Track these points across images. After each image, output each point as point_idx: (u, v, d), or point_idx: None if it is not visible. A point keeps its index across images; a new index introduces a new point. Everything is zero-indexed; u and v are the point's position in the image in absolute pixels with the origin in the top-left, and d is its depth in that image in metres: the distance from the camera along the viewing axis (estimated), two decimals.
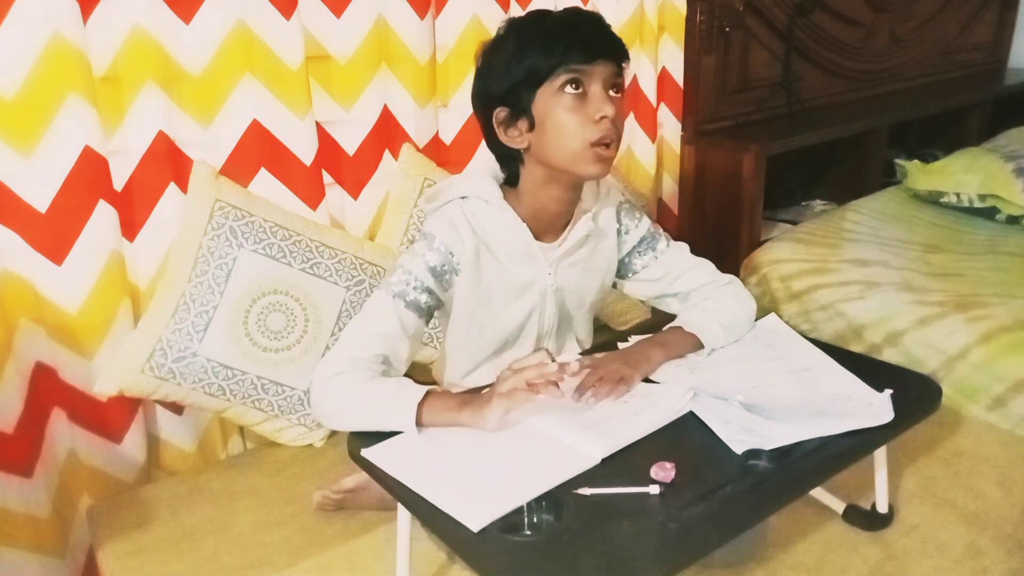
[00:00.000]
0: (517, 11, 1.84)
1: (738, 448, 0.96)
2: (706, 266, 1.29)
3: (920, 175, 2.41)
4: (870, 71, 2.80)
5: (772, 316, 1.31)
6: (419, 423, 1.02)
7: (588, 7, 1.94)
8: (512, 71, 1.08)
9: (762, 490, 0.91)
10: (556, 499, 0.89)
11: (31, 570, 1.32)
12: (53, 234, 1.31)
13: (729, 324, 1.23)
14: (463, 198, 1.17)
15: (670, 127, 2.22)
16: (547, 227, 1.18)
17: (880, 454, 1.12)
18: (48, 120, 1.27)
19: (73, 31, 1.26)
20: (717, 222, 2.23)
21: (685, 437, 1.01)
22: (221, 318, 1.41)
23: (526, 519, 0.87)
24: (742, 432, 0.98)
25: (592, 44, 1.07)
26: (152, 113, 1.39)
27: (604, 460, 0.96)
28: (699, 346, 1.20)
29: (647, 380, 1.14)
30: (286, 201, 1.55)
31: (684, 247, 1.31)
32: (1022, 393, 1.51)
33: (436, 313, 1.20)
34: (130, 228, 1.43)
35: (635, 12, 2.00)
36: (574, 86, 1.07)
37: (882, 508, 1.18)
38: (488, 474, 0.94)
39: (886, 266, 1.94)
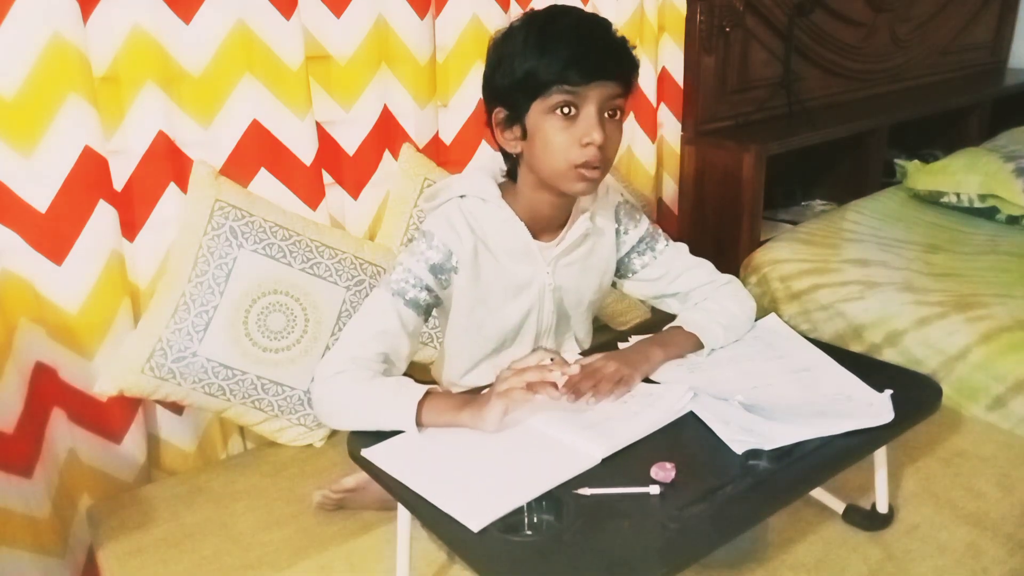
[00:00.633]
0: (517, 12, 1.83)
1: (738, 448, 0.96)
2: (705, 266, 1.29)
3: (920, 175, 2.41)
4: (870, 71, 2.80)
5: (772, 316, 1.31)
6: (419, 423, 1.02)
7: (588, 7, 1.94)
8: (513, 72, 1.07)
9: (762, 490, 0.91)
10: (556, 499, 0.89)
11: (31, 570, 1.32)
12: (53, 234, 1.31)
13: (729, 324, 1.23)
14: (462, 197, 1.17)
15: (670, 127, 2.22)
16: (545, 226, 1.18)
17: (880, 454, 1.12)
18: (48, 120, 1.27)
19: (73, 31, 1.26)
20: (717, 222, 2.23)
21: (685, 437, 1.01)
22: (221, 318, 1.41)
23: (526, 519, 0.87)
24: (742, 432, 0.98)
25: (593, 64, 1.04)
26: (152, 113, 1.39)
27: (604, 460, 0.96)
28: (699, 346, 1.20)
29: (647, 380, 1.14)
30: (286, 201, 1.55)
31: (683, 247, 1.31)
32: (1022, 393, 1.51)
33: (435, 311, 1.20)
34: (130, 228, 1.43)
35: (635, 12, 2.00)
36: (566, 109, 1.05)
37: (882, 508, 1.18)
38: (488, 474, 0.94)
39: (886, 266, 1.94)
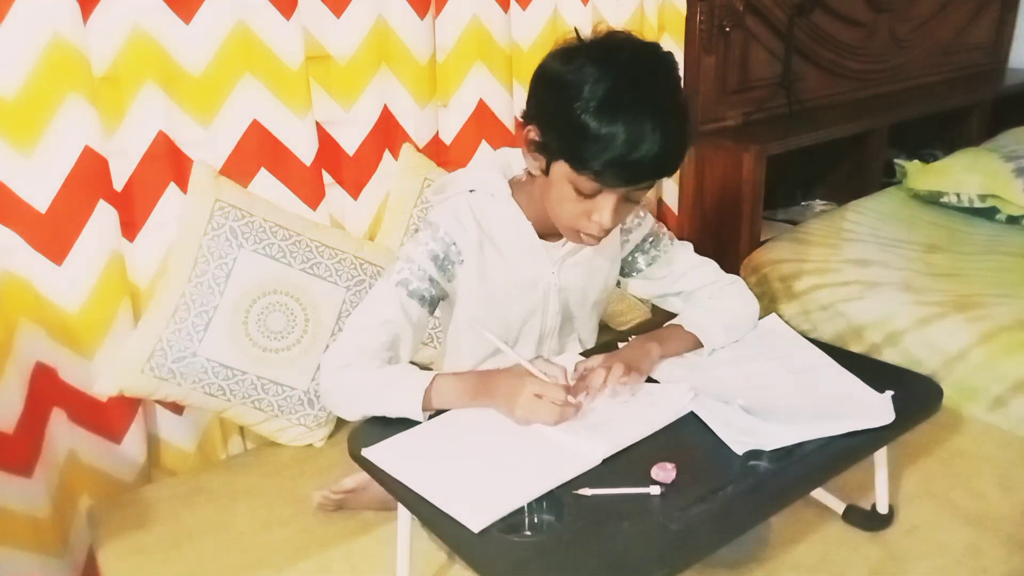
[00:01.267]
0: (517, 12, 1.83)
1: (739, 449, 0.96)
2: (710, 265, 1.29)
3: (920, 175, 2.41)
4: (870, 71, 2.80)
5: (773, 316, 1.31)
6: (427, 408, 1.04)
7: (589, 7, 1.94)
8: (557, 119, 1.01)
9: (763, 491, 0.92)
10: (557, 500, 0.89)
11: (31, 570, 1.32)
12: (53, 234, 1.31)
13: (731, 324, 1.22)
14: (470, 191, 1.17)
15: None
16: (553, 227, 1.18)
17: (880, 455, 1.12)
18: (48, 120, 1.27)
19: (73, 31, 1.26)
20: (717, 222, 2.23)
21: (686, 438, 1.01)
22: (221, 318, 1.41)
23: (527, 519, 0.87)
24: (743, 433, 0.98)
25: (637, 174, 0.99)
26: (152, 113, 1.39)
27: (605, 461, 0.96)
28: (698, 345, 1.20)
29: (648, 379, 1.14)
30: (286, 201, 1.55)
31: (688, 246, 1.31)
32: (1022, 393, 1.51)
33: (440, 304, 1.20)
34: (130, 228, 1.43)
35: (635, 12, 2.00)
36: (589, 190, 1.02)
37: (882, 508, 1.18)
38: (489, 474, 0.94)
39: (886, 266, 1.94)
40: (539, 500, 0.89)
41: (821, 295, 1.86)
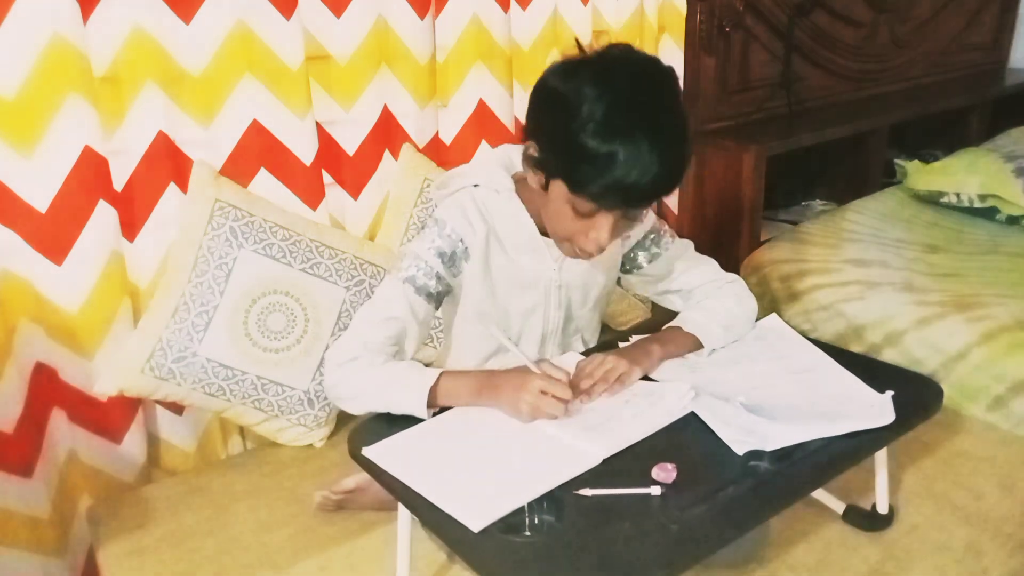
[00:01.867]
0: (517, 12, 1.83)
1: (739, 449, 0.96)
2: (710, 264, 1.29)
3: (920, 175, 2.41)
4: (870, 71, 2.80)
5: (773, 316, 1.31)
6: (432, 405, 1.05)
7: (589, 8, 1.94)
8: (557, 140, 1.00)
9: (763, 491, 0.92)
10: (557, 500, 0.89)
11: (31, 570, 1.32)
12: (53, 234, 1.31)
13: (729, 324, 1.22)
14: (475, 186, 1.17)
15: None
16: None
17: (881, 455, 1.12)
18: (48, 120, 1.26)
19: (73, 31, 1.26)
20: (717, 222, 2.23)
21: (686, 438, 1.01)
22: (221, 318, 1.41)
23: (527, 520, 0.87)
24: (743, 433, 0.98)
25: (637, 198, 0.99)
26: (152, 113, 1.39)
27: (605, 461, 0.96)
28: (698, 345, 1.20)
29: (647, 379, 1.14)
30: (286, 201, 1.55)
31: (689, 244, 1.31)
32: (1022, 393, 1.51)
33: (444, 300, 1.21)
34: (130, 228, 1.43)
35: (635, 12, 2.00)
36: (586, 211, 1.01)
37: (882, 509, 1.18)
38: (489, 474, 0.94)
39: (886, 266, 1.94)
40: (539, 500, 0.89)
41: (821, 295, 1.86)
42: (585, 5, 1.93)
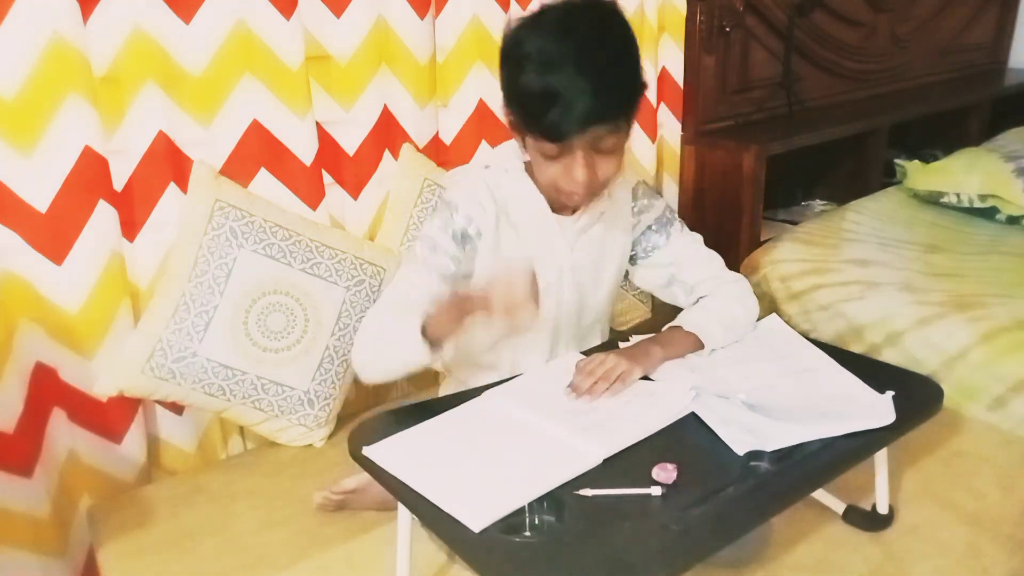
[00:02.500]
0: (517, 12, 1.83)
1: (740, 449, 0.96)
2: (716, 260, 1.30)
3: (920, 175, 2.41)
4: (870, 71, 2.80)
5: (773, 317, 1.31)
6: (430, 336, 1.05)
7: None
8: (511, 93, 1.06)
9: (764, 491, 0.92)
10: (557, 500, 0.89)
11: (31, 570, 1.32)
12: (53, 234, 1.31)
13: (729, 325, 1.23)
14: (486, 168, 1.18)
15: (670, 127, 2.22)
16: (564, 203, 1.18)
17: (881, 455, 1.12)
18: (48, 120, 1.26)
19: (73, 31, 1.26)
20: (717, 222, 2.23)
21: (687, 438, 1.01)
22: (221, 318, 1.41)
23: (527, 520, 0.87)
24: (744, 433, 0.98)
25: (580, 116, 1.00)
26: (152, 113, 1.39)
27: (606, 461, 0.96)
28: (699, 345, 1.20)
29: (647, 379, 1.14)
30: (286, 201, 1.55)
31: (698, 237, 1.31)
32: (1022, 393, 1.51)
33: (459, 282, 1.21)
34: (130, 228, 1.43)
35: (635, 12, 2.00)
36: (551, 151, 1.04)
37: (882, 509, 1.18)
38: (489, 474, 0.94)
39: (886, 266, 1.94)
40: (539, 500, 0.89)
41: (821, 295, 1.87)
42: None
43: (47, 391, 1.36)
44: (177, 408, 1.52)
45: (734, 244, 2.19)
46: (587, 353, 1.20)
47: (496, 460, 0.97)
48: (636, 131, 2.13)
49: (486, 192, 1.15)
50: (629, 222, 1.25)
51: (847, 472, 0.98)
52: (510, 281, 0.97)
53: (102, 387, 1.37)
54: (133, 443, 1.46)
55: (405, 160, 1.70)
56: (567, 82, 0.99)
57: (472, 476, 0.94)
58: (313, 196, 1.58)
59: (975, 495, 1.26)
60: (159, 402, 1.49)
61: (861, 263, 1.96)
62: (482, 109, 1.79)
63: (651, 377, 1.14)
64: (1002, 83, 3.23)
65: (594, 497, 0.89)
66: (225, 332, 1.42)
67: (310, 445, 1.53)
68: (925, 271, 1.93)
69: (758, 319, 1.28)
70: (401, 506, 1.00)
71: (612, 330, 1.92)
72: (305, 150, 1.55)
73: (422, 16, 1.65)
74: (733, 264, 2.09)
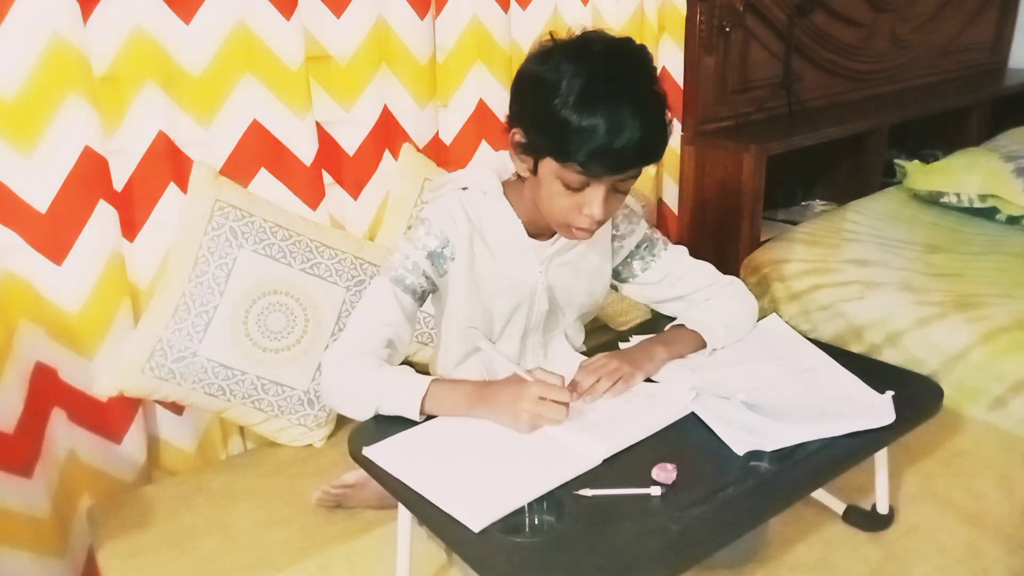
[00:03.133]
0: (517, 12, 1.83)
1: (739, 449, 0.96)
2: (706, 268, 1.29)
3: (920, 175, 2.41)
4: (870, 71, 2.80)
5: (773, 317, 1.31)
6: (424, 413, 1.06)
7: (589, 8, 1.94)
8: (539, 116, 1.03)
9: (764, 491, 0.92)
10: (557, 500, 0.89)
11: (31, 570, 1.32)
12: (53, 234, 1.31)
13: (731, 323, 1.23)
14: (464, 188, 1.18)
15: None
16: (543, 227, 1.18)
17: (881, 455, 1.12)
18: (48, 120, 1.27)
19: (73, 31, 1.26)
20: (717, 222, 2.23)
21: (687, 438, 1.01)
22: (221, 318, 1.41)
23: (527, 520, 0.87)
24: (744, 433, 0.98)
25: (621, 162, 1.00)
26: (152, 113, 1.39)
27: (605, 461, 0.96)
28: (702, 345, 1.20)
29: (649, 380, 1.14)
30: (286, 201, 1.55)
31: (683, 250, 1.31)
32: (1022, 393, 1.51)
33: (431, 299, 1.22)
34: (130, 228, 1.43)
35: (635, 12, 2.00)
36: (576, 184, 1.03)
37: (882, 509, 1.18)
38: (489, 474, 0.94)
39: (886, 266, 1.94)
40: (539, 500, 0.89)
41: (821, 295, 1.86)
42: (585, 5, 1.93)
43: (47, 391, 1.36)
44: (177, 408, 1.52)
45: (734, 244, 2.19)
46: (589, 354, 1.20)
47: (496, 460, 0.97)
48: None
49: (461, 212, 1.15)
50: (608, 248, 1.25)
51: (847, 472, 0.98)
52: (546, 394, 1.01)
53: (102, 387, 1.37)
54: (133, 443, 1.46)
55: (405, 160, 1.70)
56: (616, 123, 0.97)
57: (472, 476, 0.94)
58: (313, 196, 1.58)
59: (975, 495, 1.26)
60: (159, 402, 1.49)
61: (861, 263, 1.96)
62: (482, 109, 1.79)
63: (652, 377, 1.14)
64: (1002, 83, 3.23)
65: (594, 497, 0.89)
66: (225, 332, 1.42)
67: (310, 445, 1.53)
68: (925, 271, 1.92)
69: (758, 319, 1.28)
70: (401, 506, 1.00)
71: (612, 330, 1.93)
72: (305, 150, 1.55)
73: (422, 16, 1.65)
74: (733, 264, 2.10)
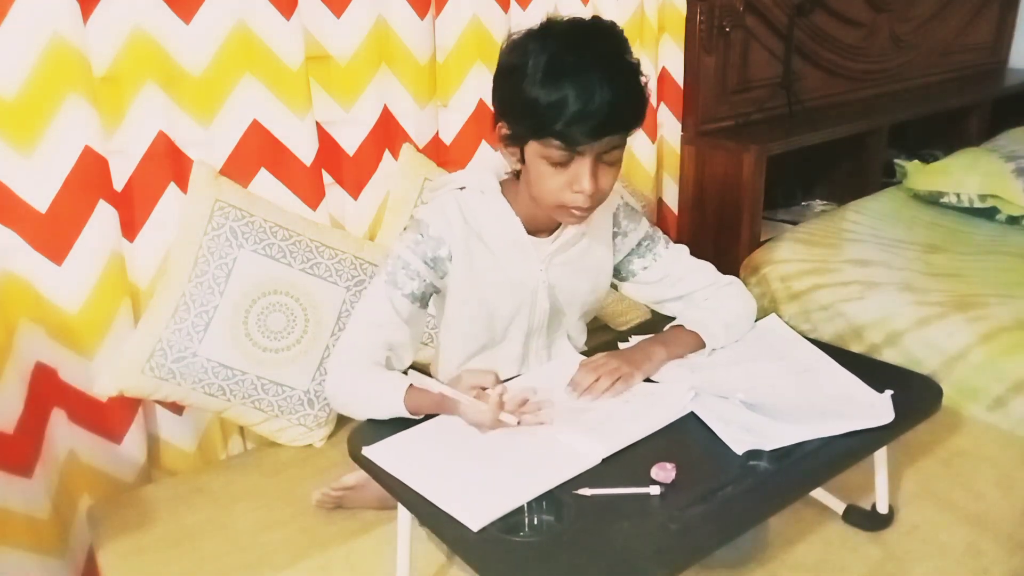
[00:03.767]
0: (517, 12, 1.83)
1: (739, 448, 0.96)
2: (707, 268, 1.29)
3: (920, 175, 2.41)
4: (870, 71, 2.80)
5: (773, 316, 1.31)
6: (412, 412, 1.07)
7: (589, 7, 1.94)
8: (515, 102, 1.04)
9: (763, 491, 0.92)
10: (557, 499, 0.89)
11: (31, 570, 1.32)
12: (53, 234, 1.31)
13: (730, 323, 1.23)
14: (461, 189, 1.18)
15: (670, 127, 2.22)
16: (541, 225, 1.18)
17: (880, 454, 1.12)
18: (48, 120, 1.27)
19: (73, 31, 1.26)
20: (717, 222, 2.23)
21: (686, 437, 1.01)
22: (221, 318, 1.41)
23: (526, 519, 0.87)
24: (743, 432, 0.98)
25: (596, 126, 1.00)
26: (152, 113, 1.39)
27: (605, 460, 0.96)
28: (701, 345, 1.20)
29: (648, 380, 1.14)
30: (286, 201, 1.55)
31: (684, 249, 1.31)
32: (1022, 393, 1.51)
33: (432, 300, 1.22)
34: (130, 228, 1.43)
35: (635, 12, 2.00)
36: (560, 158, 1.03)
37: (882, 508, 1.18)
38: (488, 474, 0.94)
39: (886, 266, 1.94)
40: (539, 500, 0.89)
41: (821, 295, 1.86)
42: (585, 5, 1.93)
43: (47, 391, 1.36)
44: (177, 408, 1.52)
45: (734, 244, 2.19)
46: (588, 354, 1.20)
47: (495, 460, 0.97)
48: (637, 131, 2.13)
49: (457, 213, 1.15)
50: (609, 247, 1.26)
51: (847, 472, 0.98)
52: (477, 393, 1.02)
53: (102, 387, 1.37)
54: (133, 443, 1.46)
55: (405, 160, 1.70)
56: (585, 88, 0.98)
57: (471, 476, 0.94)
58: (313, 196, 1.58)
59: (975, 495, 1.26)
60: (159, 402, 1.49)
61: (861, 263, 1.96)
62: (482, 109, 1.79)
63: (652, 377, 1.14)
64: (1002, 83, 3.23)
65: (593, 496, 0.89)
66: (225, 332, 1.42)
67: (310, 445, 1.53)
68: (925, 271, 1.92)
69: (758, 319, 1.28)
70: (401, 506, 1.00)
71: (612, 330, 1.93)
72: (305, 150, 1.55)
73: (422, 16, 1.65)
74: (733, 264, 2.10)
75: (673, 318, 1.27)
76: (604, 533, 0.84)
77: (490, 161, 1.23)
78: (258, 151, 1.51)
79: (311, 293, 1.49)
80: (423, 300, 1.18)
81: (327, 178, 1.63)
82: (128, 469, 1.47)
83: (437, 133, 1.79)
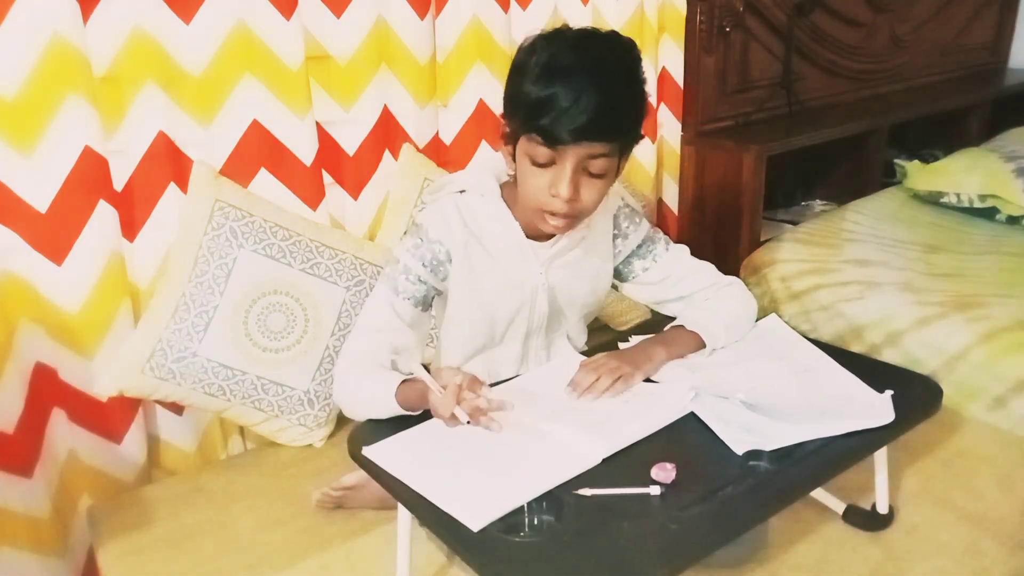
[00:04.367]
0: (517, 12, 1.83)
1: (739, 449, 0.96)
2: (707, 269, 1.29)
3: (920, 175, 2.41)
4: (870, 71, 2.79)
5: (773, 317, 1.31)
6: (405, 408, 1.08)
7: (589, 8, 1.94)
8: (512, 98, 1.07)
9: (763, 491, 0.92)
10: (557, 499, 0.89)
11: (31, 570, 1.32)
12: (53, 234, 1.31)
13: (731, 323, 1.23)
14: (461, 192, 1.18)
15: (670, 127, 2.22)
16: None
17: (880, 455, 1.12)
18: (48, 120, 1.27)
19: (73, 31, 1.26)
20: (717, 222, 2.23)
21: (686, 438, 1.01)
22: (221, 318, 1.41)
23: (526, 519, 0.87)
24: (743, 432, 0.98)
25: (578, 127, 1.00)
26: (152, 113, 1.39)
27: (605, 460, 0.96)
28: (701, 345, 1.20)
29: (648, 380, 1.14)
30: (286, 201, 1.55)
31: (684, 250, 1.31)
32: (1022, 393, 1.50)
33: (436, 302, 1.22)
34: (130, 228, 1.43)
35: (635, 12, 2.00)
36: (543, 158, 1.04)
37: (882, 509, 1.18)
38: (489, 474, 0.94)
39: (886, 266, 1.94)
40: (539, 500, 0.89)
41: (821, 295, 1.86)
42: (585, 5, 1.93)
43: (47, 391, 1.36)
44: (177, 408, 1.52)
45: (734, 244, 2.19)
46: (589, 354, 1.21)
47: (495, 460, 0.97)
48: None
49: (456, 216, 1.16)
50: (609, 250, 1.26)
51: (847, 472, 0.98)
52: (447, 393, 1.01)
53: (102, 387, 1.37)
54: (133, 443, 1.46)
55: (405, 160, 1.70)
56: (574, 89, 0.99)
57: (471, 476, 0.94)
58: (313, 196, 1.58)
59: (975, 495, 1.26)
60: (159, 402, 1.49)
61: (861, 263, 1.96)
62: (482, 109, 1.79)
63: (652, 377, 1.14)
64: (1002, 83, 3.23)
65: (593, 496, 0.89)
66: (225, 332, 1.42)
67: (310, 445, 1.53)
68: (925, 271, 1.92)
69: (758, 319, 1.28)
70: (401, 506, 1.00)
71: (612, 330, 1.93)
72: (305, 150, 1.55)
73: (422, 16, 1.65)
74: (733, 264, 2.10)
75: (673, 318, 1.27)
76: (604, 533, 0.84)
77: (490, 162, 1.23)
78: (258, 151, 1.51)
79: (311, 293, 1.49)
80: (425, 304, 1.19)
81: (327, 178, 1.63)
82: (128, 469, 1.47)
83: (437, 133, 1.79)
